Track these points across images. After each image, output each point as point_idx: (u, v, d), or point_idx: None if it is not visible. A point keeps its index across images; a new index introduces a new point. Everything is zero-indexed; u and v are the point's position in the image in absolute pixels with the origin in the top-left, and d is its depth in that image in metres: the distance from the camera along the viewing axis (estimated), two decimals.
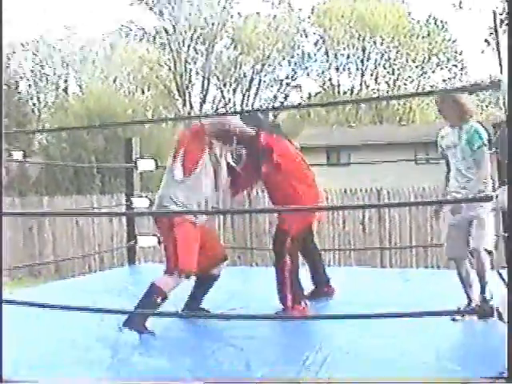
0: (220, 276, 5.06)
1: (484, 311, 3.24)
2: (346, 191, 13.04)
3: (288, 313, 5.00)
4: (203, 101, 40.74)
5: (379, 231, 12.47)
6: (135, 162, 8.04)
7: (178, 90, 39.97)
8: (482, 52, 21.87)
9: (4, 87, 40.19)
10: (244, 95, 41.25)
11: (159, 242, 8.70)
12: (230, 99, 41.27)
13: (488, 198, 3.93)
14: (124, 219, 11.58)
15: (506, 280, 3.06)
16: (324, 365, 3.59)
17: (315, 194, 5.33)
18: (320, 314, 5.15)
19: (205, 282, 5.04)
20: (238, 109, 40.30)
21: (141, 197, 8.21)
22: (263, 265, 11.84)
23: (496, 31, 7.41)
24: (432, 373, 3.45)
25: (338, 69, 41.49)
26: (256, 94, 41.59)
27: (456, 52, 41.16)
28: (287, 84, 42.76)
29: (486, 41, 19.57)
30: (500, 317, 3.08)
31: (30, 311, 4.22)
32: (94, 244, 14.17)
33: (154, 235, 8.81)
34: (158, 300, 4.57)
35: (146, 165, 8.14)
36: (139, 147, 8.44)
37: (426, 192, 12.41)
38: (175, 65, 39.63)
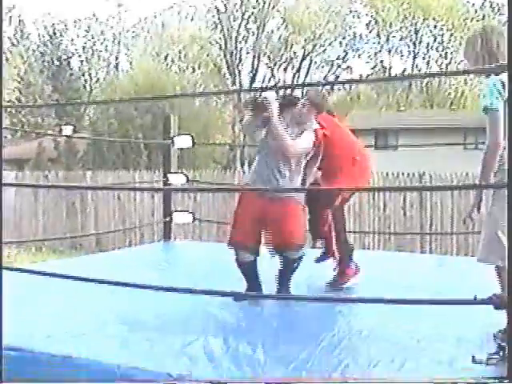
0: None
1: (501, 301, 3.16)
2: (387, 174, 12.89)
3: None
4: (253, 80, 40.65)
5: (420, 216, 12.33)
6: (172, 139, 8.08)
7: (228, 69, 39.94)
8: None
9: (56, 63, 40.81)
10: (294, 75, 41.02)
11: (194, 219, 8.79)
12: (279, 79, 41.08)
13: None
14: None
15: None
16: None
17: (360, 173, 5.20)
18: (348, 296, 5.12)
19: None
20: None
21: (177, 173, 8.26)
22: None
23: None
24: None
25: (389, 51, 41.02)
26: (306, 75, 41.33)
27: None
28: (338, 65, 42.43)
29: None
30: None
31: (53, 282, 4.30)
32: (135, 219, 14.34)
33: (189, 212, 8.92)
34: None
35: (182, 142, 8.17)
36: (178, 124, 8.48)
37: (470, 178, 12.18)
38: (226, 43, 39.57)
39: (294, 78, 40.74)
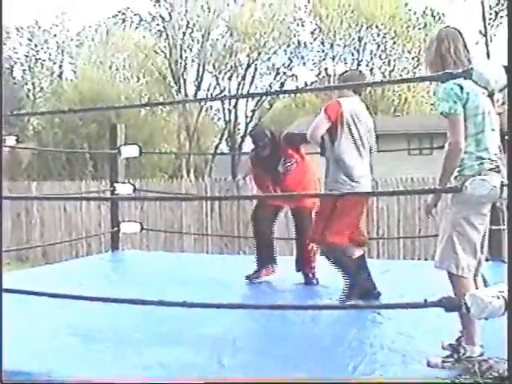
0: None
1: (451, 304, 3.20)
2: None
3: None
4: (198, 88, 40.60)
5: (367, 221, 12.42)
6: (119, 148, 8.01)
7: (173, 77, 39.78)
8: (477, 43, 20.45)
9: None
10: (239, 83, 41.07)
11: (142, 229, 8.73)
12: (225, 87, 41.10)
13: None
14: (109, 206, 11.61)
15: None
16: None
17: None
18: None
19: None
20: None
21: (123, 183, 8.20)
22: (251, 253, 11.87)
23: (484, 20, 7.28)
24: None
25: (333, 58, 41.34)
26: (251, 82, 41.44)
27: None
28: (283, 73, 42.63)
29: (480, 32, 19.55)
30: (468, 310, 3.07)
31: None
32: (82, 229, 14.16)
33: (137, 222, 8.86)
34: None
35: (129, 151, 8.11)
36: (124, 134, 8.42)
37: (415, 183, 12.37)
38: (171, 52, 39.40)
39: (238, 86, 40.80)
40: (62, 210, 14.33)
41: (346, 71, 5.64)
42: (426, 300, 3.24)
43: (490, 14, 22.44)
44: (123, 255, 8.25)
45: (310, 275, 6.02)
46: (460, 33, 3.69)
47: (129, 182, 8.31)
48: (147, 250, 12.67)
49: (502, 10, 21.05)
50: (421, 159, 27.60)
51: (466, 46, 3.61)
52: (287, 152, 6.02)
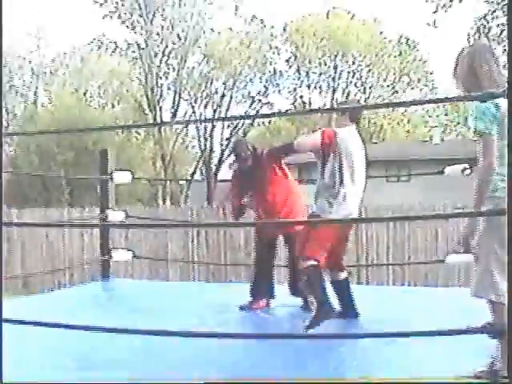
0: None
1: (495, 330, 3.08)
2: None
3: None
4: (174, 115, 40.46)
5: (356, 248, 12.32)
6: (111, 174, 7.81)
7: (149, 105, 39.63)
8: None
9: None
10: (215, 111, 41.04)
11: (134, 256, 8.51)
12: (201, 114, 41.00)
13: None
14: (96, 233, 11.37)
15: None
16: None
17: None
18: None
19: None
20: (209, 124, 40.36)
21: (114, 210, 7.99)
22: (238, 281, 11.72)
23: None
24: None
25: (309, 86, 41.64)
26: (227, 110, 41.42)
27: (427, 72, 41.58)
28: (259, 100, 42.70)
29: None
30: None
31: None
32: (64, 258, 13.84)
33: (128, 250, 8.64)
34: None
35: (122, 177, 7.92)
36: (115, 160, 8.26)
37: (404, 208, 12.31)
38: (146, 79, 39.26)
39: (214, 113, 40.75)
40: (43, 237, 14.01)
41: (345, 101, 5.78)
42: (469, 326, 3.12)
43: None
44: (115, 284, 8.02)
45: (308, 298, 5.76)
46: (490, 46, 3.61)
47: (122, 210, 8.09)
48: (132, 278, 12.41)
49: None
50: (399, 186, 27.73)
51: (497, 60, 3.48)
52: (271, 168, 5.84)
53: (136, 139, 39.52)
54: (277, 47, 41.77)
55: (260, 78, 42.01)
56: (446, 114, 43.16)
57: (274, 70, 42.03)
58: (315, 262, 4.91)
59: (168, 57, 39.84)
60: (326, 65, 40.28)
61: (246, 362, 4.02)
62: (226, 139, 41.69)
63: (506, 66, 3.05)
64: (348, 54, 39.54)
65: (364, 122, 38.51)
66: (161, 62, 39.69)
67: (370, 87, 40.32)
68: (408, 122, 42.06)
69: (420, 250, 11.87)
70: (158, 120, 39.07)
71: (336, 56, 39.89)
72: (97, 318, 5.03)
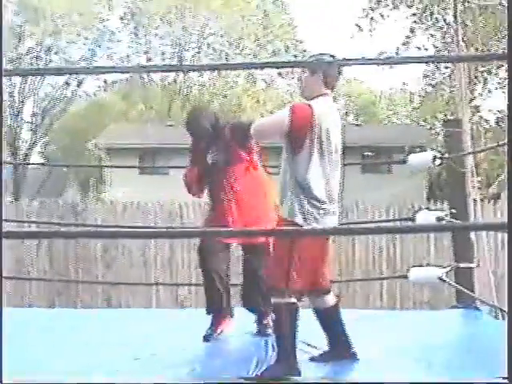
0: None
1: None
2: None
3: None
4: None
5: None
6: None
7: None
8: (352, 37, 20.61)
9: None
10: None
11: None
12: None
13: None
14: None
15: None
16: None
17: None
18: None
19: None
20: None
21: None
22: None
23: None
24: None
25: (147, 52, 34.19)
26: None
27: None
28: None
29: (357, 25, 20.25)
30: None
31: None
32: None
33: None
34: None
35: None
36: None
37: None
38: None
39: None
40: None
41: (316, 54, 4.03)
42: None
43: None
44: None
45: (266, 323, 4.66)
46: None
47: None
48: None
49: None
50: (377, 178, 22.99)
51: None
52: (235, 151, 4.53)
53: None
54: None
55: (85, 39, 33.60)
56: None
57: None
58: (294, 300, 3.84)
59: None
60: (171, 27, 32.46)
61: None
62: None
63: (506, 67, 1.63)
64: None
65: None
66: None
67: (225, 57, 32.07)
68: None
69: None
70: None
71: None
72: None
